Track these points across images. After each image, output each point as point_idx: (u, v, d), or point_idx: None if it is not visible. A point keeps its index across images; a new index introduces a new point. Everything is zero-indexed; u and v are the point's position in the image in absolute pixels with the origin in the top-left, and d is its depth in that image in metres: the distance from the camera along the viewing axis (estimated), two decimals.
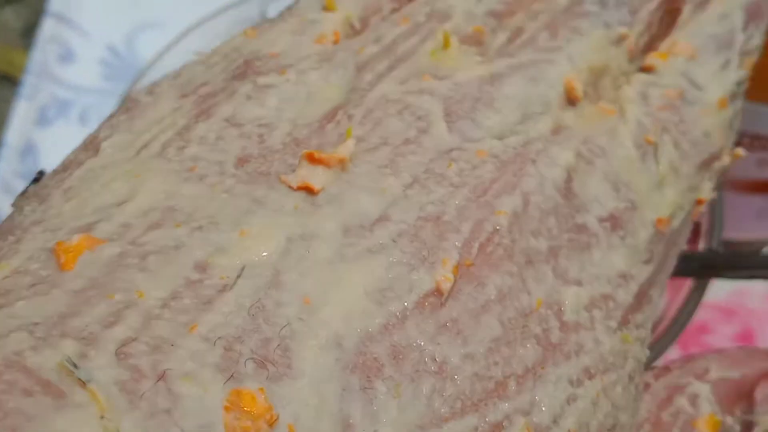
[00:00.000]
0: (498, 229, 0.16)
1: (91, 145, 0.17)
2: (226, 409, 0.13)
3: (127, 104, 0.18)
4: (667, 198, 0.19)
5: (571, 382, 0.15)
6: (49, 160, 0.48)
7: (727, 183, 0.42)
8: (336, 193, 0.16)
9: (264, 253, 0.14)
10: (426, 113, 0.17)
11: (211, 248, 0.14)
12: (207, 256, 0.14)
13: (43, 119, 0.50)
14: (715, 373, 0.19)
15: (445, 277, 0.15)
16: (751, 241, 0.46)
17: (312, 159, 0.16)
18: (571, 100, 0.19)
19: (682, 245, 0.20)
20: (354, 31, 0.22)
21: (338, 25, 0.21)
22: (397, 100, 0.18)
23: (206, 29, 0.42)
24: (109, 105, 0.51)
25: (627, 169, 0.18)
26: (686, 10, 0.24)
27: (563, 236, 0.17)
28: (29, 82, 0.51)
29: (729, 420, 0.19)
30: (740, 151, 0.23)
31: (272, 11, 0.45)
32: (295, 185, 0.16)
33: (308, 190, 0.16)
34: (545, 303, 0.16)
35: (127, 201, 0.15)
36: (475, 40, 0.21)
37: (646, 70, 0.22)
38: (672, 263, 0.19)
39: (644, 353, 0.17)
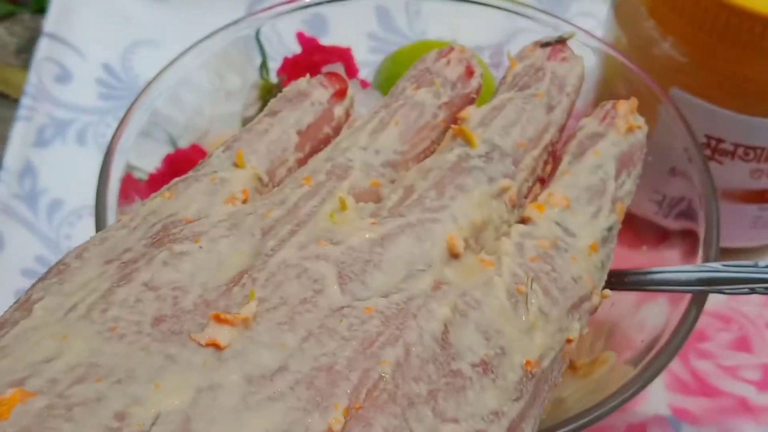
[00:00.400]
0: (383, 377, 0.18)
1: (24, 306, 0.19)
2: None
3: (59, 267, 0.21)
4: (535, 342, 0.21)
5: None
6: (48, 181, 0.48)
7: (721, 193, 0.43)
8: (240, 349, 0.18)
9: (176, 403, 0.17)
10: (321, 277, 0.20)
11: (129, 400, 0.17)
12: (125, 406, 0.17)
13: (40, 140, 0.50)
14: None
15: (335, 419, 0.17)
16: (745, 249, 0.46)
17: (218, 319, 0.18)
18: (453, 256, 0.21)
19: (556, 380, 0.22)
20: (262, 184, 0.25)
21: (247, 182, 0.24)
22: (296, 265, 0.20)
23: (203, 48, 0.42)
24: (107, 124, 0.52)
25: (498, 319, 0.20)
26: (564, 160, 0.27)
27: (441, 381, 0.19)
28: (26, 103, 0.51)
29: None
30: (608, 293, 0.25)
31: (266, 29, 0.46)
32: (203, 342, 0.18)
33: (216, 347, 0.18)
34: None
35: (55, 358, 0.17)
36: (372, 196, 0.24)
37: (525, 221, 0.24)
38: (545, 396, 0.21)
39: None
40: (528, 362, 0.20)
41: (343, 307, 0.19)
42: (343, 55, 0.48)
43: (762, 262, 0.32)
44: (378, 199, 0.24)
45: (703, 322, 0.43)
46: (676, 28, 0.39)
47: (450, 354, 0.20)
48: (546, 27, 0.44)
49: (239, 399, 0.17)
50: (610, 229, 0.25)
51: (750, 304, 0.45)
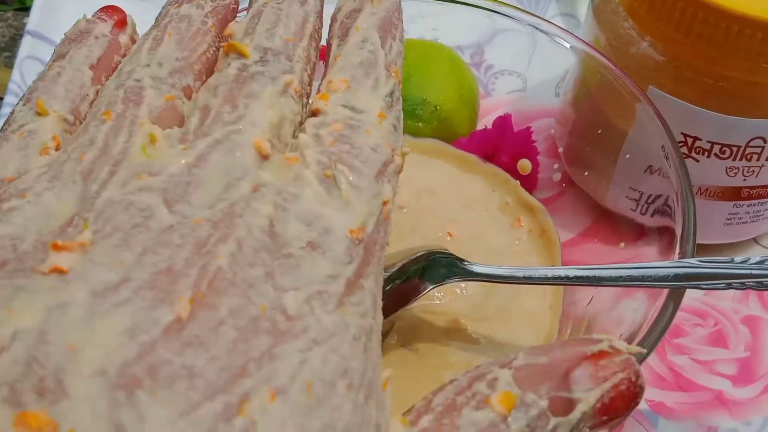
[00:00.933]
0: (221, 268, 0.20)
1: None
2: (15, 425, 0.17)
3: None
4: (355, 213, 0.23)
5: (301, 351, 0.20)
6: None
7: (697, 190, 0.43)
8: (81, 270, 0.20)
9: (29, 321, 0.19)
10: (148, 206, 0.21)
11: None
12: None
13: None
14: (520, 361, 0.23)
15: (182, 307, 0.19)
16: (720, 245, 0.47)
17: (57, 247, 0.20)
18: (263, 157, 0.23)
19: (385, 239, 0.24)
20: (69, 124, 0.26)
21: (55, 128, 0.25)
22: (122, 201, 0.22)
23: None
24: None
25: (316, 205, 0.22)
26: (334, 45, 0.28)
27: (275, 263, 0.21)
28: (10, 101, 0.51)
29: (531, 396, 0.22)
30: (407, 150, 0.27)
31: None
32: (46, 270, 0.20)
33: (59, 272, 0.20)
34: (270, 307, 0.20)
35: None
36: (171, 113, 0.25)
37: (315, 113, 0.25)
38: (380, 255, 0.23)
39: (367, 320, 0.22)
40: (351, 231, 0.22)
41: (173, 225, 0.21)
42: (322, 54, 0.49)
43: (738, 258, 0.33)
44: (177, 116, 0.25)
45: (679, 317, 0.44)
46: (653, 28, 0.40)
47: (279, 243, 0.21)
48: (525, 26, 0.45)
49: (87, 310, 0.19)
50: (391, 93, 0.27)
51: (726, 299, 0.46)
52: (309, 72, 0.27)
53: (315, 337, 0.20)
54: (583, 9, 0.50)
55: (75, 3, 0.58)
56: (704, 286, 0.33)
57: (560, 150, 0.46)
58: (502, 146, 0.46)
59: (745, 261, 0.33)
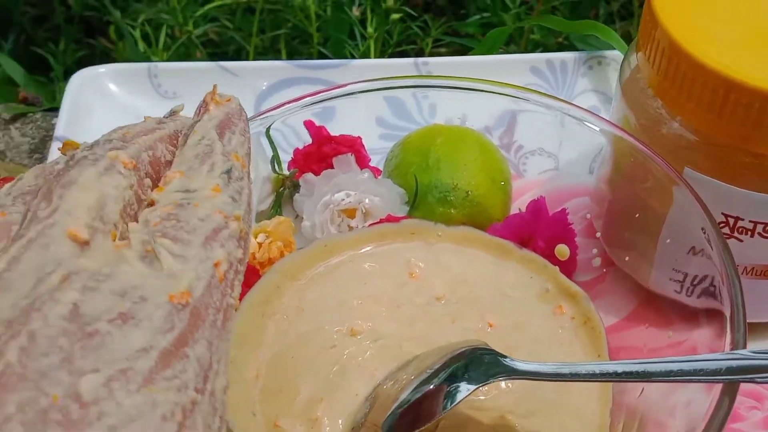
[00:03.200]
0: (9, 364, 0.20)
1: None
2: None
3: None
4: (177, 278, 0.22)
5: None
6: None
7: (743, 270, 0.42)
8: None
9: None
10: None
11: None
12: None
13: None
14: None
15: None
16: None
17: None
18: (83, 244, 0.22)
19: (225, 301, 0.23)
20: None
21: None
22: None
23: None
24: None
25: (135, 279, 0.22)
26: (176, 155, 0.27)
27: (76, 345, 0.20)
28: None
29: None
30: (239, 213, 0.26)
31: (276, 124, 0.46)
32: None
33: None
34: (62, 396, 0.19)
35: None
36: (2, 228, 0.24)
37: (150, 204, 0.25)
38: (215, 318, 0.23)
39: (187, 394, 0.21)
40: (172, 296, 0.22)
41: None
42: (353, 145, 0.49)
43: None
44: (7, 232, 0.24)
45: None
46: (684, 108, 0.39)
47: (84, 322, 0.21)
48: (550, 110, 0.45)
49: None
50: (228, 171, 0.26)
51: None
52: (150, 155, 0.26)
53: (112, 423, 0.19)
54: (612, 84, 0.50)
55: (101, 108, 0.59)
56: (759, 380, 0.32)
57: (598, 234, 0.45)
58: (537, 231, 0.45)
59: None
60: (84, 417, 0.19)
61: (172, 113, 0.29)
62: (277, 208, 0.48)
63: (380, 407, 0.38)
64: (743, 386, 0.43)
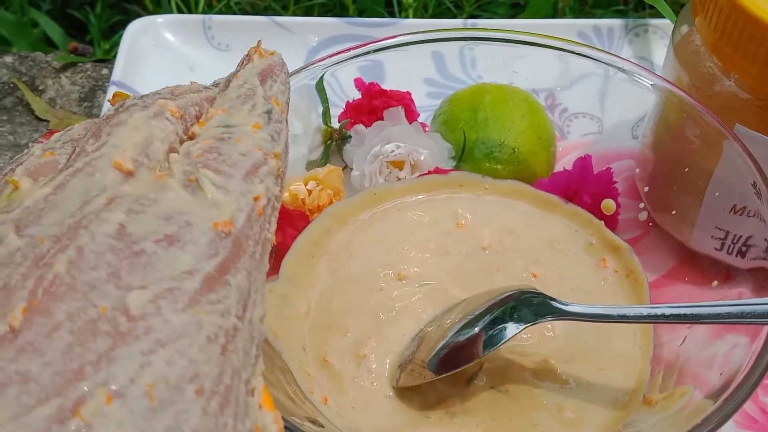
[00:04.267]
0: (57, 275, 0.20)
1: None
2: None
3: None
4: (220, 208, 0.23)
5: (143, 353, 0.20)
6: None
7: None
8: None
9: None
10: (0, 237, 0.22)
11: None
12: None
13: None
14: None
15: (13, 317, 0.20)
16: None
17: None
18: (127, 174, 0.23)
19: (265, 234, 0.24)
20: None
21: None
22: None
23: None
24: None
25: (179, 205, 0.23)
26: (218, 97, 0.28)
27: (123, 262, 0.21)
28: None
29: None
30: (278, 150, 0.26)
31: (326, 76, 0.47)
32: None
33: None
34: (110, 308, 0.20)
35: None
36: (51, 167, 0.26)
37: (191, 137, 0.26)
38: (256, 250, 0.23)
39: (229, 320, 0.21)
40: (216, 223, 0.22)
41: (20, 247, 0.21)
42: (403, 99, 0.49)
43: None
44: (56, 168, 0.25)
45: None
46: (739, 65, 0.40)
47: (131, 241, 0.21)
48: (602, 65, 0.45)
49: None
50: (269, 111, 0.27)
51: None
52: (197, 110, 0.27)
53: (159, 338, 0.20)
54: (657, 51, 0.50)
55: (156, 56, 0.60)
56: None
57: (644, 190, 0.46)
58: (583, 186, 0.46)
59: None
60: (132, 330, 0.20)
61: (216, 84, 0.30)
62: (326, 158, 0.49)
63: (426, 346, 0.39)
64: None
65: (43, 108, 0.62)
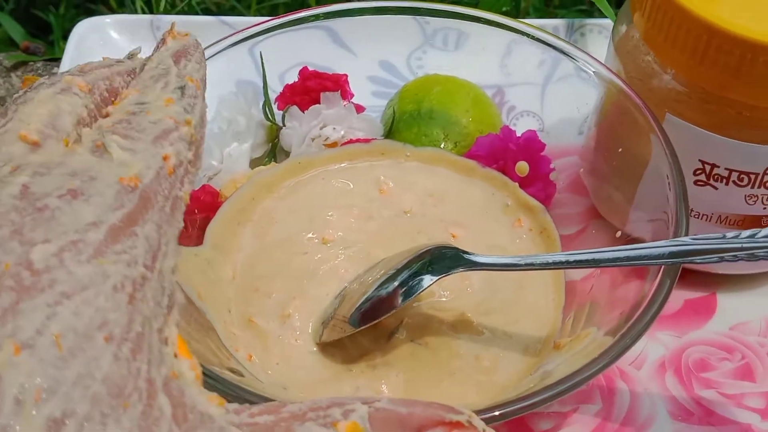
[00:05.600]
0: None
1: None
2: None
3: None
4: (129, 166, 0.24)
5: (48, 305, 0.20)
6: None
7: (717, 218, 0.43)
8: None
9: None
10: None
11: None
12: None
13: None
14: (382, 404, 0.23)
15: None
16: (743, 276, 0.46)
17: None
18: (33, 144, 0.24)
19: (174, 190, 0.25)
20: None
21: None
22: None
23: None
24: None
25: (84, 165, 0.23)
26: (134, 81, 0.28)
27: (26, 219, 0.21)
28: None
29: None
30: (189, 118, 0.27)
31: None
32: None
33: None
34: (14, 264, 0.20)
35: None
36: None
37: (105, 117, 0.27)
38: (164, 204, 0.24)
39: (137, 269, 0.22)
40: (122, 179, 0.23)
41: None
42: (337, 81, 0.50)
43: (730, 233, 0.34)
44: None
45: (706, 351, 0.44)
46: (673, 57, 0.41)
47: (34, 198, 0.22)
48: (547, 48, 0.46)
49: None
50: (182, 87, 0.28)
51: (753, 334, 0.45)
52: (107, 84, 0.28)
53: (65, 289, 0.20)
54: (603, 51, 0.50)
55: (102, 55, 0.59)
56: (698, 261, 0.34)
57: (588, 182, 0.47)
58: (507, 151, 0.47)
59: (737, 236, 0.34)
60: (36, 284, 0.20)
61: (131, 56, 0.31)
62: (272, 157, 0.50)
63: (348, 302, 0.40)
64: (716, 339, 0.45)
65: None
